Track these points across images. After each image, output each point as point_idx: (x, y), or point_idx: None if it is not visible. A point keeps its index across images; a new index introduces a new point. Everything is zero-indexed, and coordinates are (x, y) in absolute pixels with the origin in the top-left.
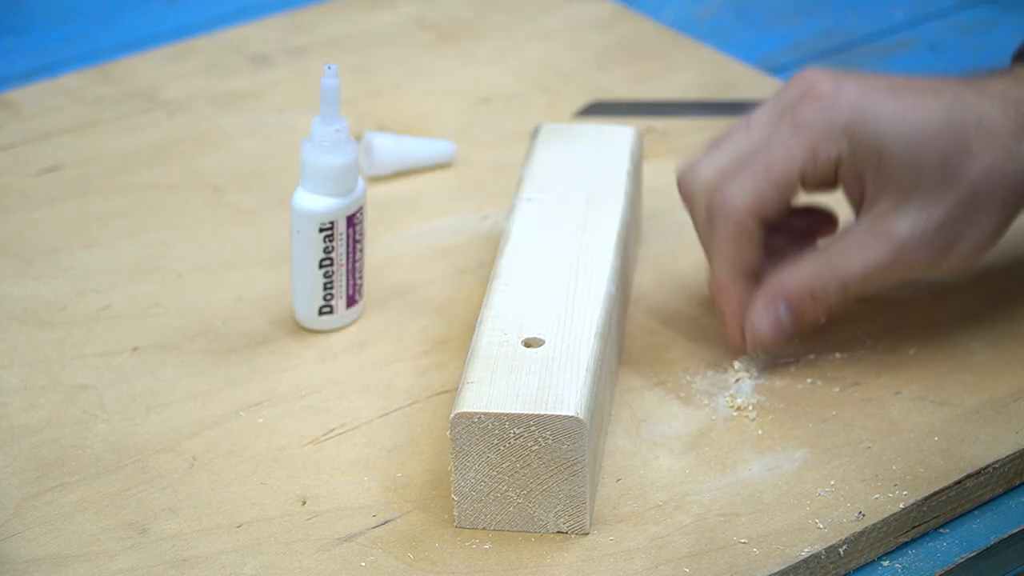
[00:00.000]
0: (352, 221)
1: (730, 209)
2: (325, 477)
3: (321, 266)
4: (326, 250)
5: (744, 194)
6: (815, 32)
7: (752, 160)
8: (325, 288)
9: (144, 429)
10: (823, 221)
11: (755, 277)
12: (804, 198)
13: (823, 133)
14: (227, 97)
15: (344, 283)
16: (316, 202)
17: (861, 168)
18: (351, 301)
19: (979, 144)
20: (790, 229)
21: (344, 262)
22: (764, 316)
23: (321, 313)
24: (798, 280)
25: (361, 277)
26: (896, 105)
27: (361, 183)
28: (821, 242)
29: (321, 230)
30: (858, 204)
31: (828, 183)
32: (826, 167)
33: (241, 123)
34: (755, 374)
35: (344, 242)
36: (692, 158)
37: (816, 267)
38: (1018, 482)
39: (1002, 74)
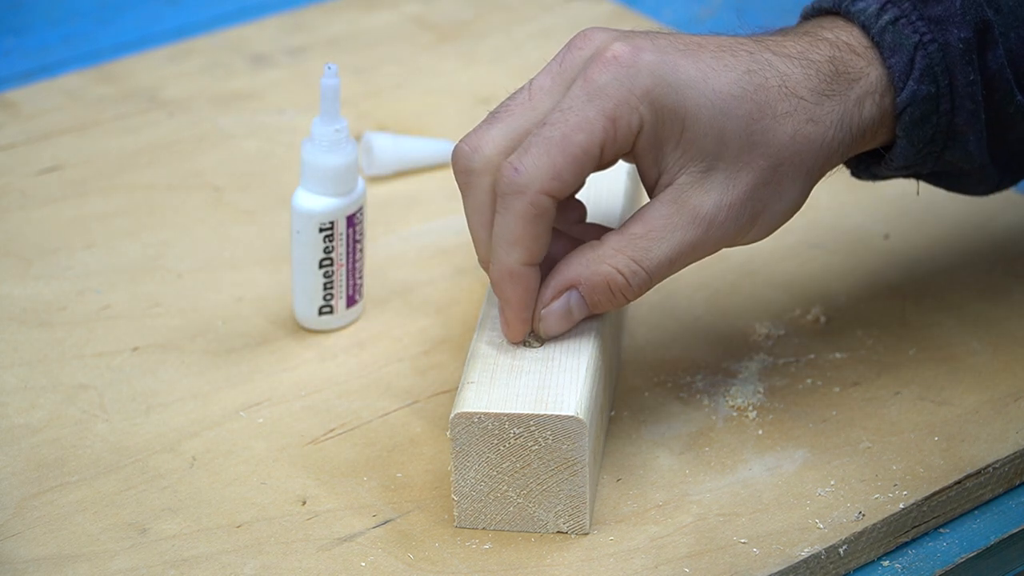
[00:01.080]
0: (352, 221)
1: (524, 185)
2: (325, 477)
3: (321, 266)
4: (326, 250)
5: (539, 169)
6: None
7: (544, 132)
8: (325, 288)
9: (144, 429)
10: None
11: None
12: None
13: (623, 100)
14: (227, 97)
15: (344, 283)
16: (316, 202)
17: (662, 137)
18: (351, 301)
19: (782, 107)
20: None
21: (344, 262)
22: (555, 306)
23: (321, 313)
24: (596, 271)
25: (361, 277)
26: (696, 68)
27: (361, 183)
28: (613, 230)
29: (321, 230)
30: (652, 179)
31: (624, 154)
32: (626, 136)
33: (241, 123)
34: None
35: (344, 242)
36: (469, 133)
37: (616, 256)
38: (1018, 482)
39: (796, 33)
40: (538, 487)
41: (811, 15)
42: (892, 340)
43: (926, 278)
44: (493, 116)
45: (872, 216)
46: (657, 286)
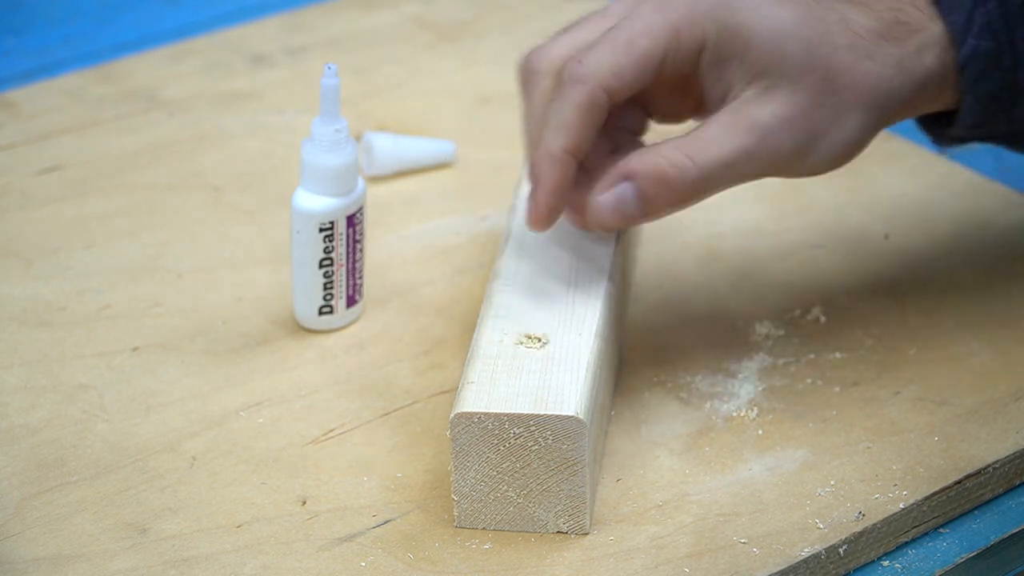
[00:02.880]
0: (352, 221)
1: (585, 76)
2: (325, 477)
3: (321, 266)
4: (326, 250)
5: (601, 64)
6: None
7: (611, 34)
8: (325, 288)
9: (144, 429)
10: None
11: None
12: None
13: (688, 14)
14: (227, 97)
15: (344, 283)
16: (316, 202)
17: (726, 54)
18: (351, 301)
19: (841, 40)
20: (621, 132)
21: (344, 262)
22: (608, 195)
23: (321, 313)
24: (652, 162)
25: (361, 277)
26: None
27: (361, 183)
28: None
29: (321, 230)
30: (717, 98)
31: (688, 71)
32: (689, 49)
33: (241, 123)
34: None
35: (344, 242)
36: (540, 43)
37: (673, 150)
38: (1018, 482)
39: None
40: (538, 487)
41: None
42: (892, 340)
43: (926, 278)
44: (564, 29)
45: (872, 216)
46: (657, 286)
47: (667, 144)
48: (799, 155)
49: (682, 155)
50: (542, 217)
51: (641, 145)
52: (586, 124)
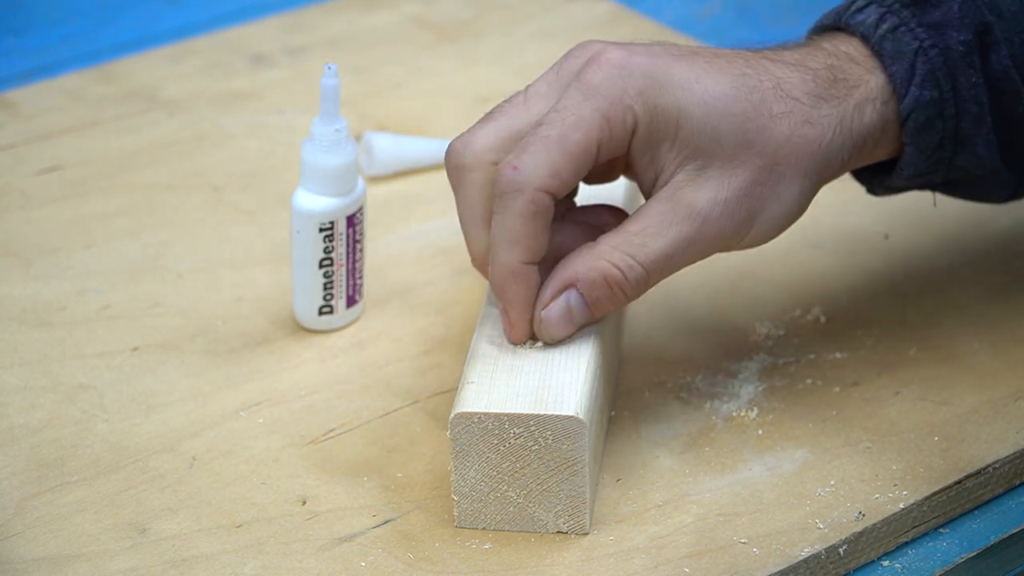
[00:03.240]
0: (352, 221)
1: (523, 183)
2: (325, 477)
3: (321, 266)
4: (326, 250)
5: (538, 167)
6: None
7: (541, 131)
8: (325, 288)
9: (144, 429)
10: (610, 214)
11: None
12: (587, 193)
13: (617, 99)
14: (227, 97)
15: (344, 283)
16: (316, 202)
17: (657, 136)
18: (351, 301)
19: (778, 108)
20: (575, 222)
21: (344, 262)
22: (554, 307)
23: (321, 313)
24: (593, 267)
25: (361, 277)
26: (689, 70)
27: (361, 183)
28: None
29: (321, 230)
30: (649, 181)
31: (620, 153)
32: (621, 135)
33: (241, 123)
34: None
35: (344, 242)
36: (463, 132)
37: (613, 252)
38: (1018, 482)
39: (796, 45)
40: (538, 487)
41: (813, 33)
42: (892, 340)
43: (926, 278)
44: (487, 116)
45: (872, 216)
46: (657, 286)
47: (605, 245)
48: (738, 234)
49: (624, 255)
50: (520, 334)
51: (574, 207)
52: (537, 230)
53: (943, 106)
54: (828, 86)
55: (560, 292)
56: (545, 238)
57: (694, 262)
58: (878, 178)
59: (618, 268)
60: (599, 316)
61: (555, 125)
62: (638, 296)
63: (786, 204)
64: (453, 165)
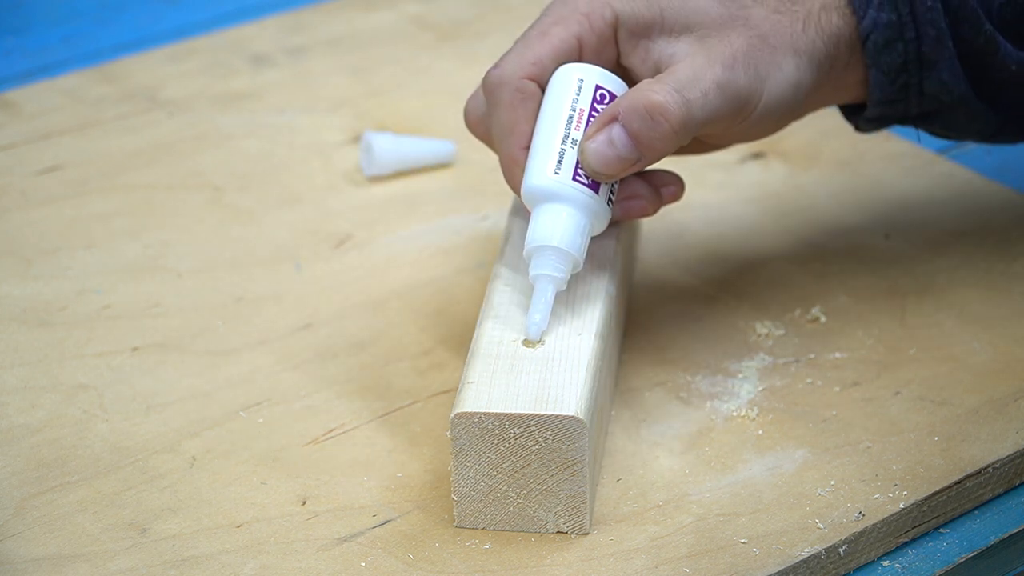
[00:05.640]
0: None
1: (507, 75)
2: (325, 477)
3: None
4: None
5: (519, 59)
6: None
7: (523, 33)
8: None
9: (144, 429)
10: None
11: None
12: None
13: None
14: (227, 97)
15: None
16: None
17: (645, 24)
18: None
19: (749, 1)
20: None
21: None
22: (597, 137)
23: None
24: (635, 98)
25: None
26: None
27: None
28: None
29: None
30: (650, 70)
31: (611, 55)
32: (602, 28)
33: (241, 123)
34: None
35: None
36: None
37: (653, 85)
38: (1018, 482)
39: None
40: (538, 487)
41: None
42: (892, 340)
43: (926, 278)
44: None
45: (872, 216)
46: (657, 286)
47: (647, 82)
48: (755, 94)
49: (664, 86)
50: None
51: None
52: (526, 115)
53: (903, 29)
54: None
55: (604, 126)
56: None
57: (724, 114)
58: (860, 113)
59: (659, 96)
60: (646, 153)
61: (534, 27)
62: (679, 136)
63: (788, 75)
64: (487, 89)
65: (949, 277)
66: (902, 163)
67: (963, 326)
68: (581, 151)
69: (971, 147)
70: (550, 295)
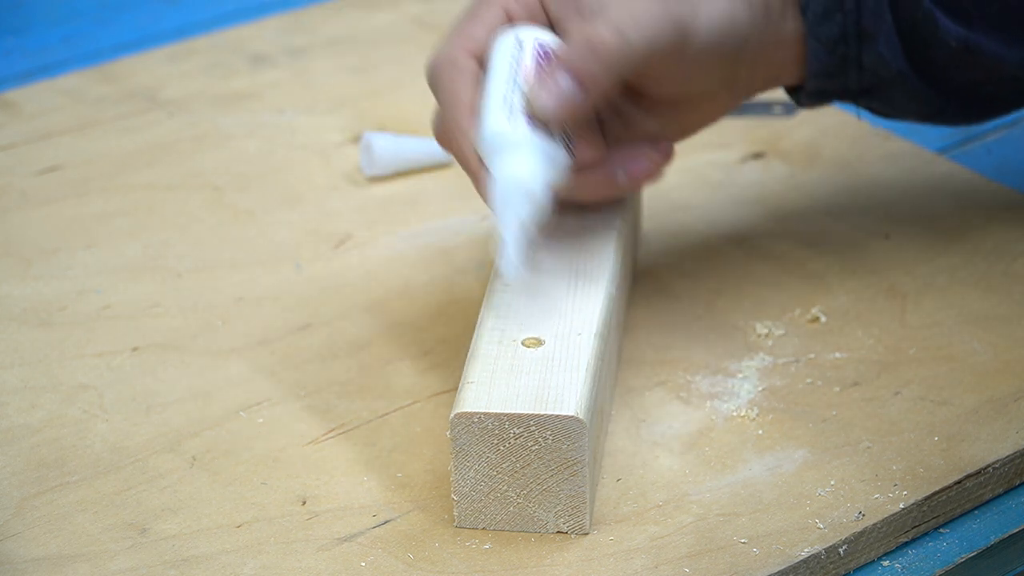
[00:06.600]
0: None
1: (445, 54)
2: (325, 477)
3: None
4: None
5: (453, 37)
6: None
7: (457, 21)
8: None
9: (144, 429)
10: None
11: None
12: None
13: None
14: (227, 97)
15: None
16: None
17: None
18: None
19: None
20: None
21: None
22: (542, 81)
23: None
24: (572, 41)
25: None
26: None
27: None
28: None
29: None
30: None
31: (540, 18)
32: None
33: (241, 123)
34: (756, 374)
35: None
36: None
37: (588, 25)
38: (1018, 482)
39: None
40: (538, 487)
41: None
42: (892, 340)
43: (926, 278)
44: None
45: (872, 216)
46: (657, 286)
47: (580, 23)
48: (685, 18)
49: (598, 19)
50: (478, 176)
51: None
52: (465, 87)
53: (842, 0)
54: None
55: (548, 76)
56: (477, 89)
57: (661, 43)
58: (800, 88)
59: (594, 28)
60: (590, 87)
61: (465, 13)
62: (621, 63)
63: (721, 6)
64: (428, 80)
65: (949, 277)
66: (902, 163)
67: (963, 326)
68: (528, 99)
69: (971, 147)
70: (516, 230)
